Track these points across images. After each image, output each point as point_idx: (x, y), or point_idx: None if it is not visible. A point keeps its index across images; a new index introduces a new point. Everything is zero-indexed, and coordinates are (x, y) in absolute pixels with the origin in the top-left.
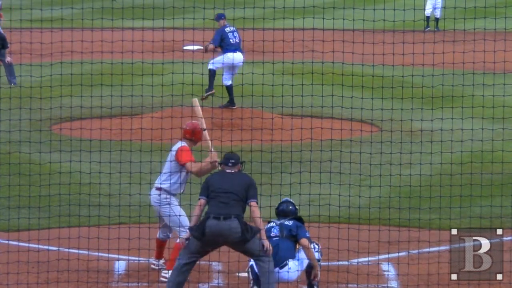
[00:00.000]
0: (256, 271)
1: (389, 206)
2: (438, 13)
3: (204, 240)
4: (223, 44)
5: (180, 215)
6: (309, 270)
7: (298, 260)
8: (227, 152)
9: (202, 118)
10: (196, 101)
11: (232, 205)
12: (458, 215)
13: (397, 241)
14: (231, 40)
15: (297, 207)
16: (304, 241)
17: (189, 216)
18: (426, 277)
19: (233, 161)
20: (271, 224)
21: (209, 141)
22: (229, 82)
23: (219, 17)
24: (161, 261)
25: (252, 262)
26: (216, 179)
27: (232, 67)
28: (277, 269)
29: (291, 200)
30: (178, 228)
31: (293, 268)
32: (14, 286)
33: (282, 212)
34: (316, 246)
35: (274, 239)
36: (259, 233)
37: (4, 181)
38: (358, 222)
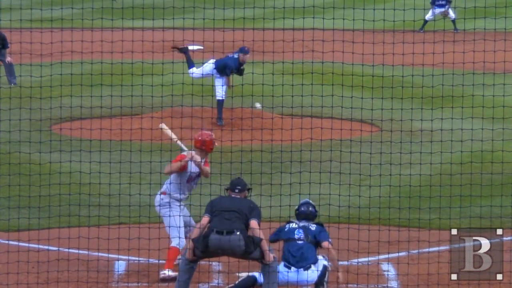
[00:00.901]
0: (258, 275)
1: (389, 206)
2: (452, 15)
3: (207, 252)
4: (222, 69)
5: (178, 215)
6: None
7: (317, 266)
8: (234, 178)
9: (176, 139)
10: (163, 125)
11: (235, 221)
12: (458, 215)
13: (397, 241)
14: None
15: (316, 208)
16: (326, 244)
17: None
18: (426, 277)
19: (239, 187)
20: (293, 225)
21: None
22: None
23: (243, 50)
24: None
25: (255, 273)
26: (220, 201)
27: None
28: (301, 269)
29: (311, 201)
30: (177, 229)
31: (315, 272)
32: (14, 286)
33: (303, 213)
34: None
35: (299, 242)
36: (261, 242)
37: (4, 181)
38: (358, 222)
